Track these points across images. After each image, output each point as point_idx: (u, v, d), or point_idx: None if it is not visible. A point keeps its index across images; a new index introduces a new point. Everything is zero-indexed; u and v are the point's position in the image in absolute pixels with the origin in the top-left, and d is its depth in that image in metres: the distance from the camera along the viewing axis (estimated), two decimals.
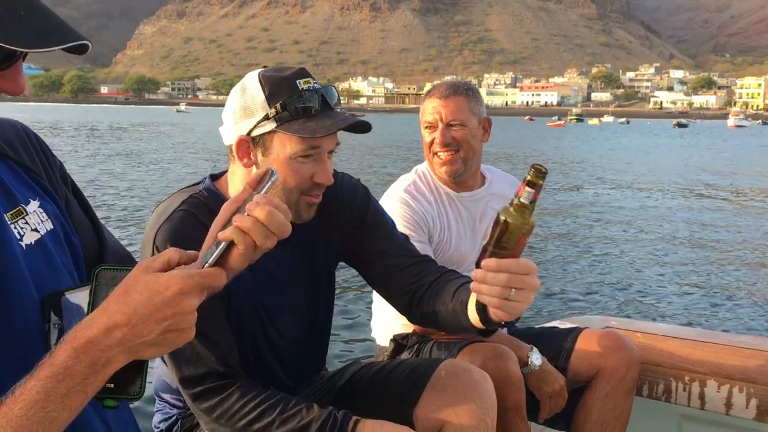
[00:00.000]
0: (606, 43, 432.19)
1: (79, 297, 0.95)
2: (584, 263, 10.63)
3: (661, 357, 2.42)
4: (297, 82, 1.45)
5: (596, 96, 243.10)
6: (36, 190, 1.03)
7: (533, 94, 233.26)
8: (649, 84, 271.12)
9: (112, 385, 0.85)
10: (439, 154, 2.20)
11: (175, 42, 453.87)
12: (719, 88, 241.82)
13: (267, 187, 1.03)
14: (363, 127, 1.47)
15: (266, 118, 1.43)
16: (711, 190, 20.68)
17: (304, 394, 1.71)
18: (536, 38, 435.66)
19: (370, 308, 2.38)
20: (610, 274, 9.92)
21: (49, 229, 1.01)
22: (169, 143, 35.79)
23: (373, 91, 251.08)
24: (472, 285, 1.28)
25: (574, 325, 2.32)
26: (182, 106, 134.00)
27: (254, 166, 1.48)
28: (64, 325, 0.95)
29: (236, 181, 1.53)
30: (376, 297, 2.32)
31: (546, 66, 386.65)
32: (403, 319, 2.18)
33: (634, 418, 2.57)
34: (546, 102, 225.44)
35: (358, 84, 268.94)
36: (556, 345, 2.20)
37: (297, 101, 1.42)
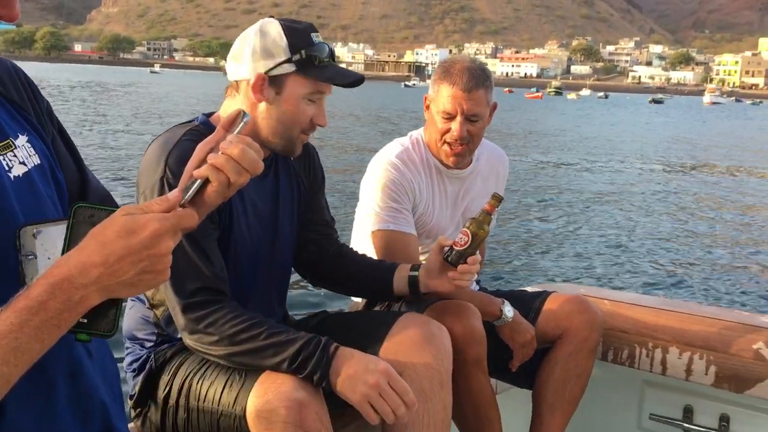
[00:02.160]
0: (587, 16, 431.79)
1: (55, 231, 0.97)
2: (555, 234, 10.89)
3: (626, 324, 2.49)
4: (312, 35, 1.66)
5: (576, 69, 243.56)
6: (24, 126, 1.06)
7: (513, 65, 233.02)
8: (628, 58, 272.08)
9: (85, 321, 0.88)
10: (451, 145, 2.17)
11: (152, 0, 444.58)
12: (697, 64, 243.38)
13: (240, 127, 1.08)
14: (359, 82, 1.70)
15: (288, 61, 1.61)
16: (673, 165, 21.15)
17: None
18: (518, 8, 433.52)
19: None
20: (579, 245, 10.19)
21: (36, 164, 1.03)
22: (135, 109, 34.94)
23: (353, 57, 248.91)
24: (452, 274, 1.78)
25: (543, 289, 2.38)
26: (156, 68, 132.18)
27: (265, 103, 1.64)
28: (38, 258, 0.97)
29: (264, 118, 1.68)
30: (353, 242, 2.35)
31: (527, 37, 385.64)
32: None
33: (599, 383, 2.66)
34: (526, 73, 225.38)
35: (337, 50, 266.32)
36: (525, 306, 2.26)
37: (315, 51, 1.63)
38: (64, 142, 1.15)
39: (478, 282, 2.50)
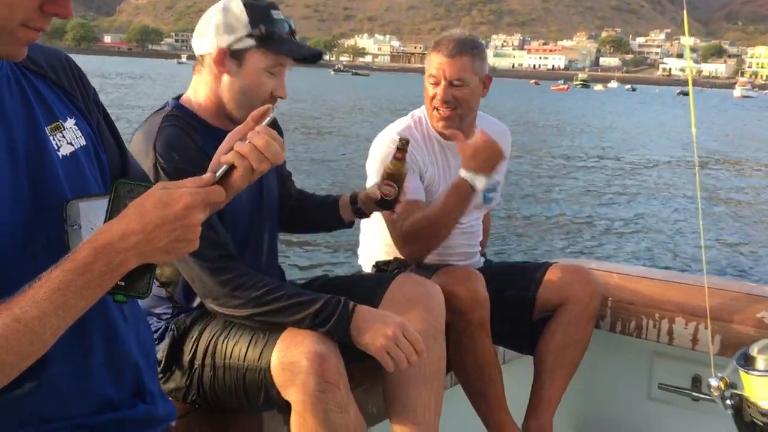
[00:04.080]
0: (617, 7, 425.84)
1: (97, 205, 1.05)
2: (567, 212, 11.18)
3: (633, 296, 2.59)
4: (272, 11, 1.75)
5: (605, 61, 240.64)
6: (72, 111, 1.16)
7: (541, 57, 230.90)
8: (658, 50, 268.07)
9: (123, 283, 0.98)
10: (438, 109, 2.29)
11: None
12: (729, 56, 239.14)
13: (267, 120, 1.22)
14: (318, 57, 1.81)
15: (248, 36, 1.70)
16: (676, 157, 21.39)
17: None
18: (546, 0, 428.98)
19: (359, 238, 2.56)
20: (592, 223, 10.42)
21: (82, 145, 1.13)
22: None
23: (379, 49, 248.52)
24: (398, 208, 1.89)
25: (545, 260, 2.49)
26: (183, 58, 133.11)
27: (225, 74, 1.74)
28: (82, 228, 1.06)
29: (200, 91, 1.79)
30: (363, 227, 2.50)
31: (555, 29, 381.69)
32: (387, 247, 2.37)
33: (608, 355, 2.75)
34: (553, 65, 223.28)
35: (363, 41, 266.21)
36: (527, 276, 2.38)
37: (274, 27, 1.73)
38: (108, 126, 1.25)
39: (483, 255, 2.63)
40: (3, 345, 0.88)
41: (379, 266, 2.39)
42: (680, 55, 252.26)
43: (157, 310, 1.84)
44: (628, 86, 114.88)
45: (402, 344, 1.61)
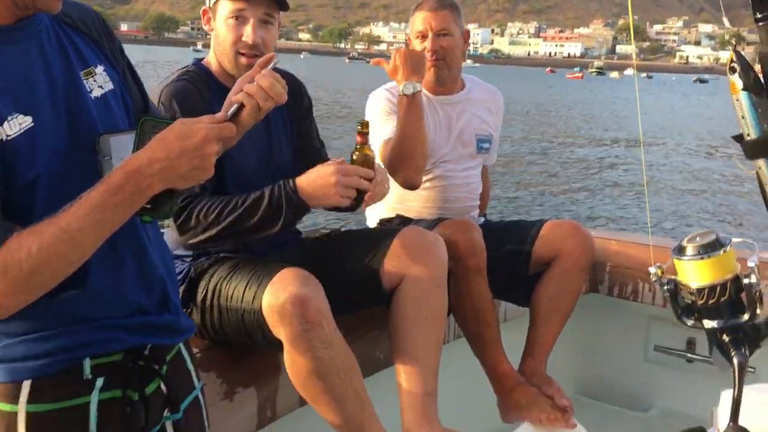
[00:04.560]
0: None
1: (126, 139, 1.20)
2: (569, 182, 11.57)
3: (630, 261, 2.74)
4: None
5: (621, 48, 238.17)
6: (102, 59, 1.30)
7: (557, 45, 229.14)
8: (676, 38, 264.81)
9: (149, 206, 1.13)
10: (429, 60, 2.48)
11: None
12: (748, 44, 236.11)
13: (271, 66, 1.42)
14: (280, 2, 1.94)
15: None
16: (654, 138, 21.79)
17: (301, 250, 2.12)
18: None
19: None
20: (592, 195, 10.80)
21: (110, 89, 1.28)
22: None
23: (394, 37, 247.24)
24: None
25: (540, 218, 2.67)
26: (198, 46, 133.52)
27: (211, 31, 1.98)
28: (112, 158, 1.21)
29: (213, 45, 2.02)
30: None
31: (571, 16, 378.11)
32: (389, 205, 2.56)
33: (607, 318, 2.90)
34: (569, 53, 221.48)
35: (378, 29, 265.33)
36: (523, 232, 2.55)
37: None
38: (132, 75, 1.40)
39: (484, 216, 2.82)
40: (52, 252, 1.05)
41: (383, 222, 2.58)
42: (698, 43, 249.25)
43: (180, 252, 2.03)
44: (644, 74, 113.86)
45: (349, 181, 1.74)
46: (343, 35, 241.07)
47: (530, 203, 10.14)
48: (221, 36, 1.95)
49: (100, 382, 1.23)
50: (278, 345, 1.77)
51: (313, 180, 1.79)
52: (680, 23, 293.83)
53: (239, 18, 1.91)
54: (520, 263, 2.52)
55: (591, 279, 2.91)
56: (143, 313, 1.30)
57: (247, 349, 1.96)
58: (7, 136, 1.11)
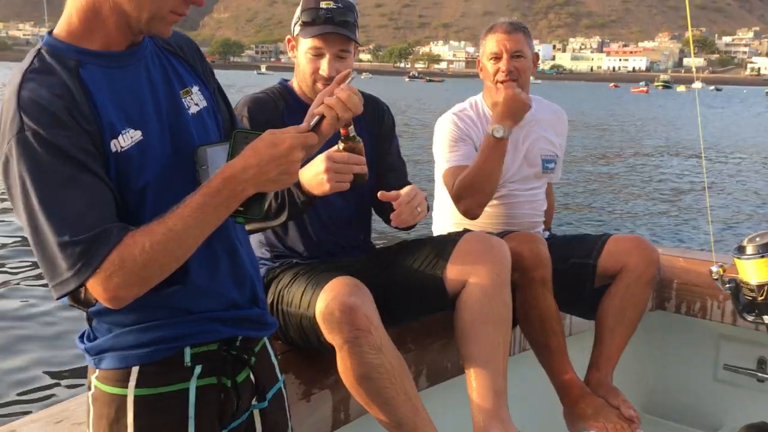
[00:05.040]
0: (702, 5, 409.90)
1: (219, 150, 1.34)
2: (630, 197, 11.63)
3: (698, 279, 2.72)
4: (321, 2, 2.05)
5: (688, 61, 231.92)
6: (196, 79, 1.46)
7: (620, 59, 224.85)
8: (746, 49, 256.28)
9: (241, 209, 1.27)
10: (501, 81, 2.57)
11: (260, 5, 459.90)
12: None
13: (349, 81, 1.55)
14: (354, 39, 2.08)
15: (296, 24, 2.11)
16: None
17: (361, 260, 2.22)
18: (626, 0, 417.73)
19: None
20: (655, 210, 10.73)
21: (204, 106, 1.43)
22: None
23: (454, 55, 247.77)
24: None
25: (605, 232, 2.71)
26: (263, 69, 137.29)
27: (294, 58, 2.15)
28: (209, 167, 1.34)
29: (295, 69, 2.19)
30: (435, 204, 2.79)
31: (636, 30, 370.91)
32: (457, 219, 2.65)
33: (675, 336, 2.86)
34: (634, 68, 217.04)
35: (438, 48, 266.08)
36: (589, 246, 2.58)
37: (314, 14, 2.05)
38: (220, 94, 1.56)
39: (548, 230, 2.87)
40: (161, 248, 1.19)
41: None
42: None
43: (259, 255, 2.17)
44: (713, 86, 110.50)
45: (340, 167, 1.74)
46: (403, 55, 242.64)
47: (593, 219, 10.12)
48: (301, 65, 2.12)
49: (198, 369, 1.36)
50: (332, 349, 1.87)
51: (307, 172, 1.80)
52: (751, 34, 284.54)
53: (317, 54, 2.08)
54: (586, 276, 2.56)
55: (658, 296, 2.90)
56: (236, 307, 1.43)
57: (320, 353, 2.05)
58: (122, 148, 1.26)
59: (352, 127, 1.68)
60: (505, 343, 2.03)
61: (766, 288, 1.69)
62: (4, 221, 8.79)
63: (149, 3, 1.26)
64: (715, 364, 2.84)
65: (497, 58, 2.59)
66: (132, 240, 1.19)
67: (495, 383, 1.97)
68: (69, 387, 4.75)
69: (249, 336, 1.46)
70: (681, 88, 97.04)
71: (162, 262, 1.21)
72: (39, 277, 6.32)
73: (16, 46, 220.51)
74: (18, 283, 6.53)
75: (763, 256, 1.69)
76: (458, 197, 2.49)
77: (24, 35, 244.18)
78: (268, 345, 1.54)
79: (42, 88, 1.22)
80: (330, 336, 1.83)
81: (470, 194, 2.47)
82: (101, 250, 1.18)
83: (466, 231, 2.57)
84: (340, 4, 2.07)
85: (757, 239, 1.73)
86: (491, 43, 2.61)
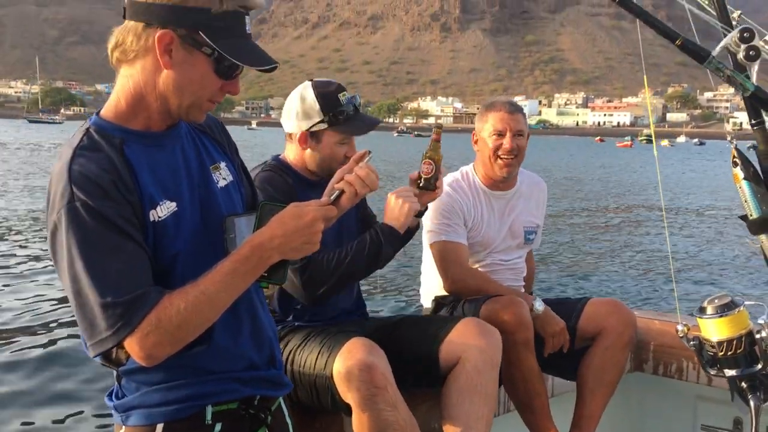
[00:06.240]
0: (683, 62, 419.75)
1: (245, 221, 1.47)
2: (613, 264, 11.91)
3: (674, 341, 2.82)
4: (338, 95, 2.23)
5: (672, 116, 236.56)
6: (223, 156, 1.61)
7: (605, 114, 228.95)
8: (728, 104, 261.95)
9: (266, 274, 1.38)
10: (503, 157, 2.72)
11: None
12: None
13: (366, 160, 1.76)
14: (373, 126, 2.30)
15: (321, 121, 2.22)
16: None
17: (367, 324, 2.35)
18: (609, 57, 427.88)
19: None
20: (636, 276, 10.90)
21: (231, 180, 1.58)
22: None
23: (442, 110, 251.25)
24: (427, 197, 2.15)
25: (584, 296, 2.83)
26: (253, 125, 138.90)
27: (309, 149, 2.27)
28: (236, 237, 1.46)
29: (291, 153, 2.33)
30: (423, 269, 2.90)
31: (619, 86, 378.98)
32: (443, 284, 2.76)
33: (653, 397, 2.95)
34: (618, 122, 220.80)
35: (427, 104, 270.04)
36: (568, 309, 2.72)
37: (341, 109, 2.21)
38: (243, 170, 1.72)
39: (531, 293, 2.99)
40: (195, 309, 1.29)
41: (438, 300, 2.78)
42: None
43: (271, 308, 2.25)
44: (695, 140, 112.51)
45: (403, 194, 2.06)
46: (391, 110, 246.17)
47: (570, 281, 10.49)
48: (328, 156, 2.26)
49: (218, 427, 1.47)
50: (345, 408, 1.97)
51: (390, 210, 2.10)
52: (731, 90, 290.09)
53: (346, 142, 2.26)
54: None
55: (636, 358, 2.99)
56: (254, 368, 1.53)
57: (329, 413, 2.16)
58: (159, 217, 1.38)
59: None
60: (488, 421, 2.13)
61: (725, 344, 1.87)
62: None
63: (190, 92, 1.38)
64: (693, 424, 2.91)
65: (500, 135, 2.72)
66: (168, 302, 1.29)
67: None
68: None
69: (267, 396, 1.56)
70: (664, 143, 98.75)
71: (195, 323, 1.31)
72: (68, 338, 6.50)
73: (7, 103, 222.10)
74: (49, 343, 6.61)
75: (721, 316, 1.87)
76: (451, 288, 2.67)
77: (15, 92, 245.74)
78: (283, 405, 1.64)
79: (91, 164, 1.32)
80: (347, 394, 1.93)
81: (465, 294, 2.65)
82: (140, 311, 1.27)
83: (455, 299, 2.69)
84: (347, 93, 2.25)
85: (716, 301, 1.91)
86: (495, 121, 2.74)
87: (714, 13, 1.80)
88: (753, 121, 1.79)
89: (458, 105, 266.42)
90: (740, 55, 1.70)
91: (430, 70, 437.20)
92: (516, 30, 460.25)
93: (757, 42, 1.68)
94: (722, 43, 1.70)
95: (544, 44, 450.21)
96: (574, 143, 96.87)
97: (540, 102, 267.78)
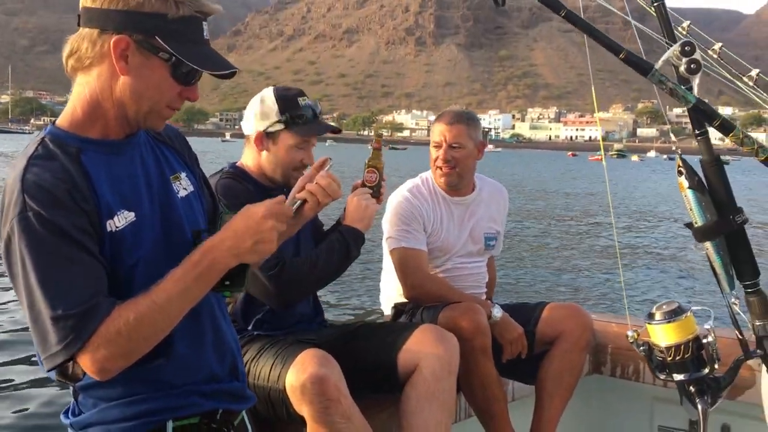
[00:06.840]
0: None
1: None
2: (562, 263, 12.56)
3: (630, 343, 2.90)
4: (298, 99, 2.25)
5: (642, 131, 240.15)
6: (184, 167, 1.59)
7: (577, 129, 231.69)
8: None
9: (227, 283, 1.36)
10: (440, 168, 2.80)
11: None
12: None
13: (327, 168, 1.77)
14: (337, 131, 2.39)
15: (278, 122, 2.23)
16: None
17: (325, 332, 2.35)
18: (581, 73, 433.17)
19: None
20: (593, 281, 11.31)
21: (191, 191, 1.55)
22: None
23: (417, 123, 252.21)
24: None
25: (542, 300, 2.89)
26: (227, 136, 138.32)
27: (265, 151, 2.27)
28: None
29: (249, 159, 2.33)
30: (383, 276, 2.94)
31: (590, 101, 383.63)
32: (401, 291, 2.79)
33: (610, 399, 3.01)
34: (590, 137, 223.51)
35: (401, 117, 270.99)
36: (526, 315, 2.76)
37: (300, 112, 2.22)
38: (204, 181, 1.70)
39: (490, 299, 3.04)
40: (145, 320, 1.27)
41: (397, 307, 2.81)
42: None
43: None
44: (665, 156, 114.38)
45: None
46: (366, 123, 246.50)
47: (529, 287, 10.81)
48: (283, 159, 2.27)
49: None
50: (301, 420, 1.97)
51: (350, 213, 2.16)
52: None
53: (302, 146, 2.26)
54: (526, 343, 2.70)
55: (594, 361, 3.05)
56: (216, 380, 1.51)
57: (288, 424, 2.14)
58: (116, 227, 1.35)
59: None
60: (447, 427, 2.16)
61: (673, 349, 1.91)
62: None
63: (147, 98, 1.37)
64: (650, 425, 2.97)
65: (437, 146, 2.80)
66: (117, 313, 1.26)
67: None
68: None
69: (229, 409, 1.53)
70: (634, 158, 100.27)
71: (146, 333, 1.28)
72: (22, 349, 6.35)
73: None
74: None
75: (669, 322, 1.92)
76: (411, 294, 2.71)
77: None
78: (246, 419, 1.63)
79: (45, 173, 1.29)
80: (300, 407, 1.93)
81: (424, 300, 2.68)
82: (91, 324, 1.23)
83: (414, 306, 2.72)
84: (308, 99, 2.28)
85: (664, 307, 1.96)
86: (435, 132, 2.83)
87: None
88: (696, 132, 1.84)
89: (432, 118, 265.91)
90: (682, 68, 1.75)
91: (405, 84, 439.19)
92: (490, 45, 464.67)
93: (698, 56, 1.74)
94: (664, 57, 1.75)
95: (518, 59, 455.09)
96: (547, 157, 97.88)
97: (513, 116, 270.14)
